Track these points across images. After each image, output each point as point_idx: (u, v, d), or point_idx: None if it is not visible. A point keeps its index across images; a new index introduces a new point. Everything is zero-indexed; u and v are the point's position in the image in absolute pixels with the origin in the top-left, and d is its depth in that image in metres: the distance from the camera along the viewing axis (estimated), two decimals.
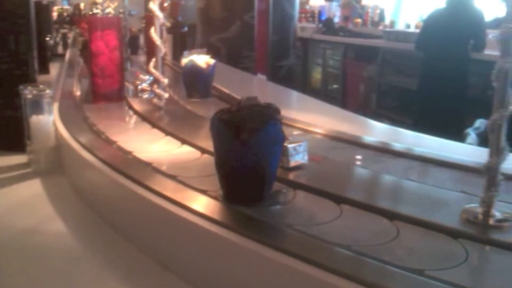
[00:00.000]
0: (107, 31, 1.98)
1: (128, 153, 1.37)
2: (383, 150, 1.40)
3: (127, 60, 2.84)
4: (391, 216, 0.95)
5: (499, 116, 0.85)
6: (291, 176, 1.16)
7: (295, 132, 1.57)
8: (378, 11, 7.67)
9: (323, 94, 6.72)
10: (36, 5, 2.27)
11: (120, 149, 1.42)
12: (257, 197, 1.01)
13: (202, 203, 1.02)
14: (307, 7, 8.72)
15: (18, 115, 1.72)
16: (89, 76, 2.08)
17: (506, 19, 0.83)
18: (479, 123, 3.06)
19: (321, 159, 1.30)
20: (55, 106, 1.88)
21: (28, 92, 1.65)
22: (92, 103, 2.01)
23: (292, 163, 1.18)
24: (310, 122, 1.67)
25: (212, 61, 2.15)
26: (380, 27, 6.82)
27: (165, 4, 3.20)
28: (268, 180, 1.02)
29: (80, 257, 1.14)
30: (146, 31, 2.75)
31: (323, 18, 7.96)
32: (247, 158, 0.97)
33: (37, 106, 1.67)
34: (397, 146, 1.43)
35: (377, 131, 1.92)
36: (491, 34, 4.09)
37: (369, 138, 1.51)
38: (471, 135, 2.91)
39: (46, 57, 3.14)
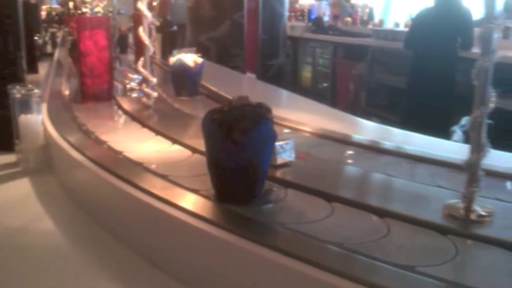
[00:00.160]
0: (96, 31, 1.98)
1: (119, 152, 1.37)
2: (370, 148, 1.42)
3: (116, 59, 2.84)
4: (381, 213, 0.96)
5: (480, 114, 0.87)
6: (279, 173, 1.17)
7: (285, 131, 1.59)
8: (367, 10, 7.70)
9: (313, 92, 6.73)
10: (25, 4, 2.26)
11: (110, 148, 1.42)
12: (249, 196, 1.02)
13: (194, 202, 1.03)
14: (297, 5, 8.73)
15: (6, 114, 1.71)
16: (78, 75, 2.08)
17: (485, 18, 0.85)
18: (465, 120, 3.08)
19: (306, 156, 1.31)
20: (44, 106, 1.88)
21: (16, 92, 1.65)
22: (81, 102, 2.01)
23: (279, 160, 1.20)
24: (299, 120, 1.68)
25: (200, 60, 2.16)
26: (370, 26, 6.83)
27: (154, 3, 3.20)
28: (259, 179, 1.03)
29: (69, 255, 1.15)
30: (135, 30, 2.74)
31: (313, 16, 7.97)
32: (239, 158, 0.98)
33: (25, 106, 1.67)
34: (384, 144, 1.44)
35: (365, 129, 1.94)
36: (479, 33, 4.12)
37: (356, 136, 1.53)
38: (457, 132, 2.93)
39: (34, 56, 3.13)
